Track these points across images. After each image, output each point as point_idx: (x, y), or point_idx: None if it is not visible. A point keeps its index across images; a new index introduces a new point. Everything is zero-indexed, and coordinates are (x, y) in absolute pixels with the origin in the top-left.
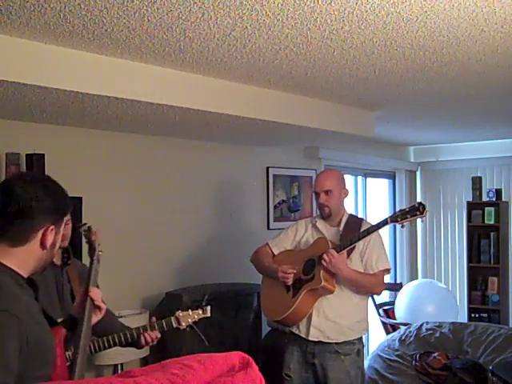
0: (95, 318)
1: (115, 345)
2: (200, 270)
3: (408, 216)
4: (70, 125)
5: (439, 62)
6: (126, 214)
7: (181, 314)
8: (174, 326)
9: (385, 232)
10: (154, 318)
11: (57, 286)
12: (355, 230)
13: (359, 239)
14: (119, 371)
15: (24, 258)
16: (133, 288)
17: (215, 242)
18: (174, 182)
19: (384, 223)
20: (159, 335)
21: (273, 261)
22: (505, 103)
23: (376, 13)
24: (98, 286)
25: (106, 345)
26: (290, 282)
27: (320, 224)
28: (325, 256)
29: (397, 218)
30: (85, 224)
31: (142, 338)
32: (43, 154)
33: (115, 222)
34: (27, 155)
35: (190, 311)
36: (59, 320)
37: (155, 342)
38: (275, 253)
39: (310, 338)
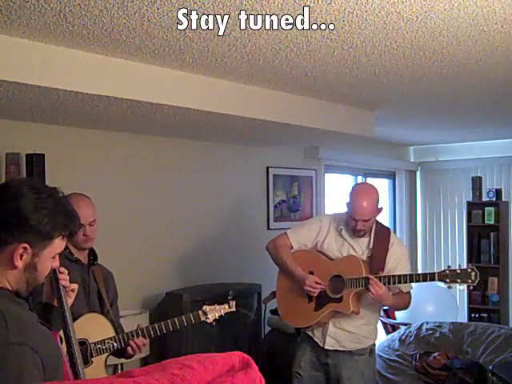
0: (70, 300)
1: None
2: (200, 270)
3: (458, 280)
4: (70, 125)
5: (439, 61)
6: (125, 214)
7: (208, 308)
8: (202, 319)
9: None
10: (141, 324)
11: (83, 284)
12: (385, 243)
13: (399, 282)
14: (119, 371)
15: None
16: (133, 288)
17: (215, 242)
18: (173, 181)
19: (431, 278)
20: (146, 341)
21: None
22: (505, 103)
23: (376, 13)
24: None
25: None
26: (315, 295)
27: (346, 234)
28: (371, 288)
29: (446, 277)
30: None
31: (129, 347)
32: (43, 154)
33: (115, 222)
34: (27, 155)
35: (216, 306)
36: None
37: (142, 351)
38: (294, 247)
39: (326, 347)
